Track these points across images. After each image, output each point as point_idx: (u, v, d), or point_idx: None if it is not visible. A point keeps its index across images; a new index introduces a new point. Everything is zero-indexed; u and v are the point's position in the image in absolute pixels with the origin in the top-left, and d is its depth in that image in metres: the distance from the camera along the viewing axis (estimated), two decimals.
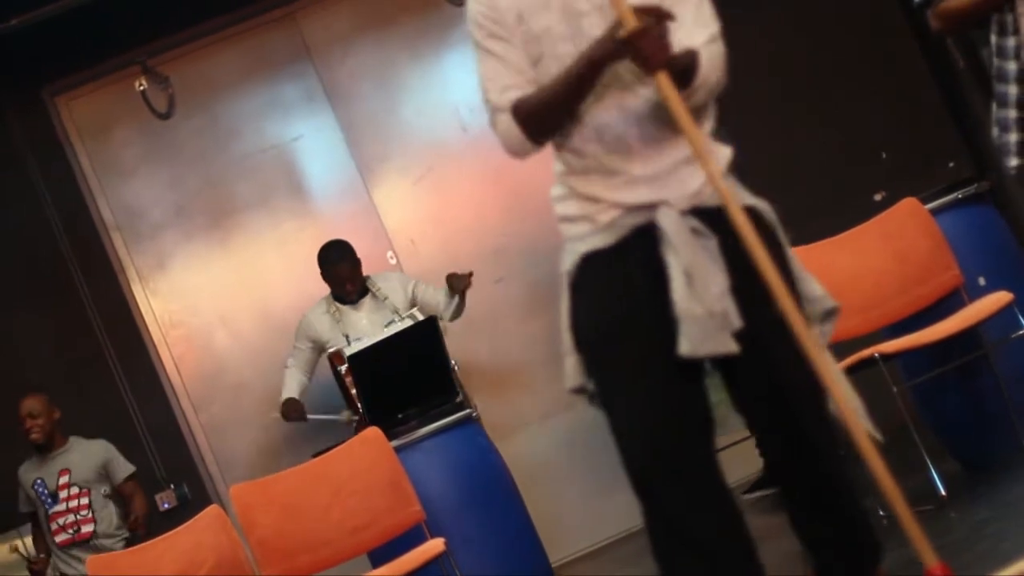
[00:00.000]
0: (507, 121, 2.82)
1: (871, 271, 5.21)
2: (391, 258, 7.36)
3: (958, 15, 4.18)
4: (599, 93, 2.77)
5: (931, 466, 4.82)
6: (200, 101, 7.36)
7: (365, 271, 6.73)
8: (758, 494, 6.49)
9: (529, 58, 2.84)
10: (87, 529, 6.51)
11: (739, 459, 6.61)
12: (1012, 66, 4.10)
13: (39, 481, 6.54)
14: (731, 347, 2.70)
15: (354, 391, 6.18)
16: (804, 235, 5.72)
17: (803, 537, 2.90)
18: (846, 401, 2.79)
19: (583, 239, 2.81)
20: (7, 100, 7.18)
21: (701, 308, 2.68)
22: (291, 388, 6.70)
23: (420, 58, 7.51)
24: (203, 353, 7.28)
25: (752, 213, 2.81)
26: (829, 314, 2.88)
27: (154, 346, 7.24)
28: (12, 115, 7.20)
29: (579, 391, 2.87)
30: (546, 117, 2.81)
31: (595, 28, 2.75)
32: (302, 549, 5.13)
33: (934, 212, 5.36)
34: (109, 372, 7.13)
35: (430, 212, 7.43)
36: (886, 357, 4.87)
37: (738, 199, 2.81)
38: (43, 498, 6.52)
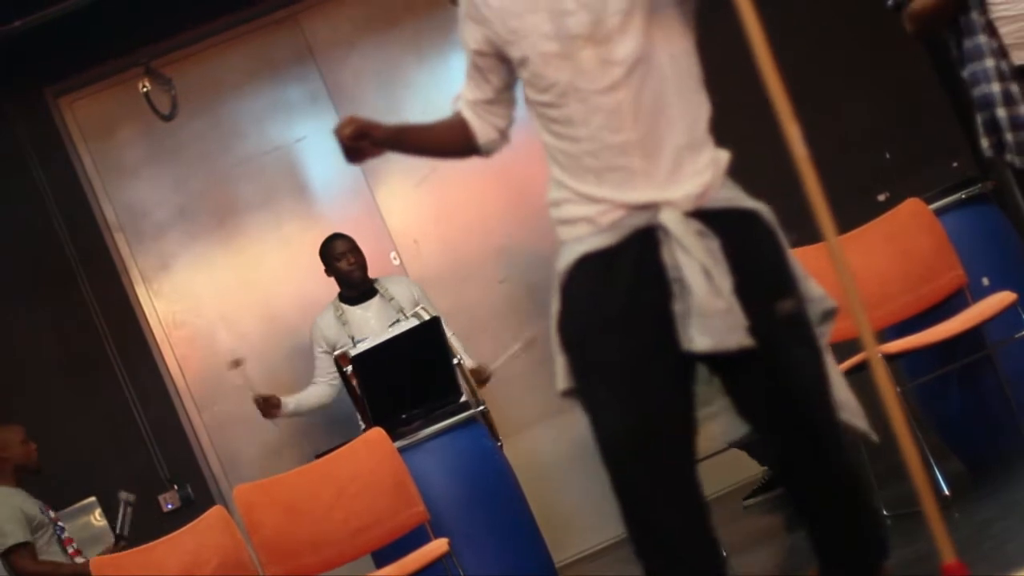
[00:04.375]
0: None
1: (875, 271, 5.21)
2: (394, 259, 7.37)
3: (924, 16, 4.20)
4: (583, 89, 2.75)
5: (935, 466, 4.81)
6: (203, 102, 7.36)
7: (370, 273, 6.74)
8: (759, 499, 6.49)
9: (508, 61, 2.85)
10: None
11: (737, 463, 6.63)
12: (990, 63, 4.10)
13: (42, 508, 6.32)
14: (749, 341, 2.69)
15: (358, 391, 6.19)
16: (808, 235, 5.73)
17: (811, 535, 2.89)
18: (848, 403, 2.80)
19: (583, 240, 2.78)
20: (10, 101, 7.19)
21: (723, 302, 2.67)
22: (309, 393, 6.67)
23: (423, 59, 7.51)
24: (206, 353, 7.28)
25: (751, 216, 2.80)
26: (828, 315, 2.87)
27: (157, 347, 7.24)
28: (15, 116, 7.20)
29: (570, 394, 2.86)
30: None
31: (581, 26, 2.73)
32: (306, 550, 5.13)
33: (938, 212, 5.36)
34: (112, 373, 7.13)
35: (433, 213, 7.44)
36: (890, 357, 4.87)
37: (738, 202, 2.80)
38: (53, 521, 6.39)
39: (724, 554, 2.88)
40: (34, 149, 7.22)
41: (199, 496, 7.00)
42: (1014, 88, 4.09)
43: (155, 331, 7.26)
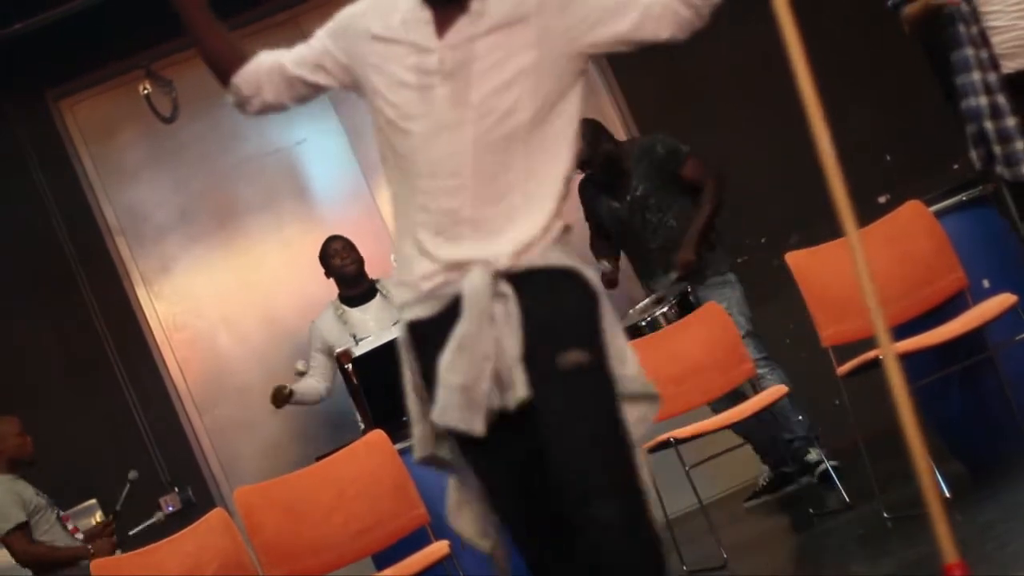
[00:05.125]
0: None
1: (875, 273, 5.12)
2: (394, 261, 7.37)
3: (913, 21, 4.22)
4: (429, 125, 2.73)
5: (935, 468, 4.81)
6: (204, 105, 7.36)
7: (370, 274, 6.74)
8: (760, 500, 6.48)
9: (364, 76, 2.85)
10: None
11: (741, 462, 6.62)
12: (976, 76, 4.11)
13: (37, 491, 6.39)
14: (476, 427, 2.63)
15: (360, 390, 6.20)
16: (808, 237, 5.73)
17: None
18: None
19: (409, 307, 2.78)
20: (11, 104, 7.19)
21: (458, 379, 2.62)
22: (305, 383, 6.69)
23: None
24: (207, 356, 7.29)
25: (567, 273, 2.71)
26: (643, 398, 2.75)
27: (158, 349, 7.25)
28: (16, 119, 7.21)
29: (428, 461, 2.83)
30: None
31: (440, 64, 2.72)
32: (306, 552, 5.12)
33: (938, 214, 5.36)
34: (113, 375, 7.13)
35: None
36: None
37: (556, 261, 2.70)
38: (50, 501, 6.44)
39: None
40: (35, 151, 7.23)
41: (200, 498, 7.01)
42: (1001, 100, 4.10)
43: (155, 333, 7.26)
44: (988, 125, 4.13)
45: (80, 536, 6.39)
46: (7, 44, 6.84)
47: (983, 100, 4.15)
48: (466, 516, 2.85)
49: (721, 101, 7.39)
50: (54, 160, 7.26)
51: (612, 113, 7.66)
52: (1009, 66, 4.06)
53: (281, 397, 6.62)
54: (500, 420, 2.66)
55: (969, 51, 4.16)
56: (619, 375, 2.70)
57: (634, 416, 2.71)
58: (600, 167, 6.42)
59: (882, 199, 7.17)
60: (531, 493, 2.71)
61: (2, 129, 7.18)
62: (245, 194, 7.44)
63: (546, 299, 2.68)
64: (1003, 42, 4.08)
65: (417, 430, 2.80)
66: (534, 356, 2.64)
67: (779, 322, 6.68)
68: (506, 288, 2.66)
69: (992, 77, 4.08)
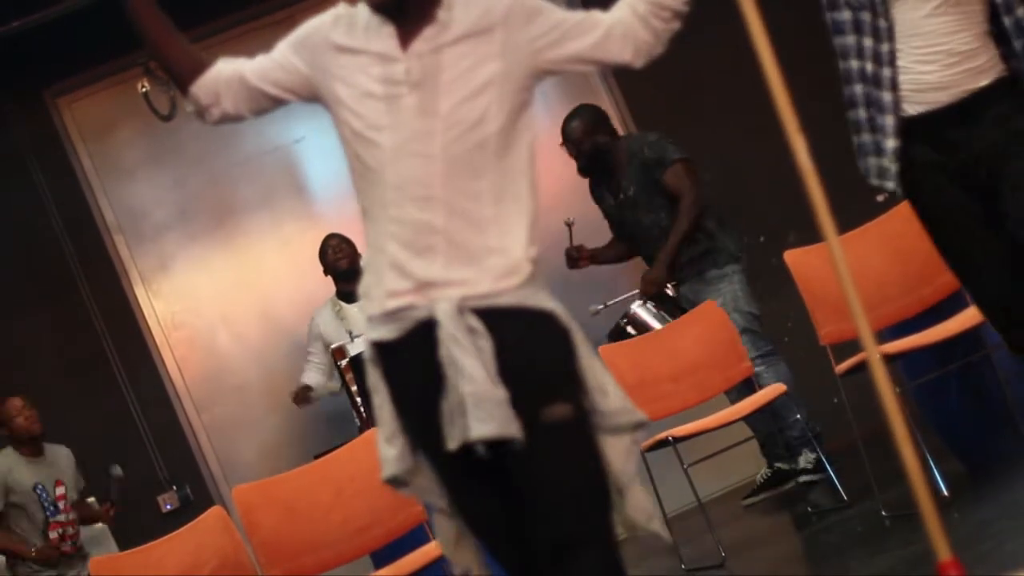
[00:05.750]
0: None
1: (873, 272, 5.21)
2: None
3: None
4: (397, 135, 2.71)
5: (933, 466, 4.82)
6: None
7: None
8: (758, 498, 6.48)
9: (318, 80, 2.87)
10: (80, 542, 6.50)
11: (739, 460, 6.63)
12: (859, 88, 4.10)
13: (40, 486, 6.43)
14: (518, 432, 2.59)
15: (355, 388, 6.20)
16: (806, 236, 5.73)
17: None
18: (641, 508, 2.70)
19: (373, 325, 2.73)
20: (10, 102, 7.19)
21: (503, 392, 2.57)
22: (309, 377, 6.80)
23: None
24: (205, 354, 7.29)
25: (542, 316, 2.67)
26: (636, 427, 2.72)
27: (156, 347, 7.24)
28: (15, 117, 7.21)
29: (396, 480, 2.77)
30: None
31: (406, 74, 2.70)
32: (305, 550, 5.13)
33: None
34: (111, 373, 7.13)
35: None
36: (888, 358, 4.87)
37: (529, 301, 2.67)
38: (44, 504, 6.45)
39: None
40: (33, 150, 7.22)
41: (198, 497, 7.01)
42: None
43: (154, 332, 7.26)
44: (866, 138, 4.15)
45: (67, 547, 6.42)
46: (5, 42, 6.83)
47: (862, 113, 4.17)
48: (467, 549, 2.86)
49: (720, 100, 7.38)
50: (52, 158, 7.26)
51: (611, 112, 7.66)
52: (909, 107, 4.00)
53: (302, 396, 6.69)
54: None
55: (869, 66, 4.12)
56: (602, 410, 2.68)
57: (622, 448, 2.70)
58: (588, 156, 6.41)
59: (880, 197, 7.15)
60: (516, 520, 2.68)
61: (0, 128, 7.18)
62: (244, 192, 7.43)
63: (522, 345, 2.64)
64: (902, 82, 4.04)
65: (391, 448, 2.74)
66: (515, 405, 2.59)
67: (777, 320, 6.68)
68: (475, 322, 2.62)
69: (874, 93, 4.09)
